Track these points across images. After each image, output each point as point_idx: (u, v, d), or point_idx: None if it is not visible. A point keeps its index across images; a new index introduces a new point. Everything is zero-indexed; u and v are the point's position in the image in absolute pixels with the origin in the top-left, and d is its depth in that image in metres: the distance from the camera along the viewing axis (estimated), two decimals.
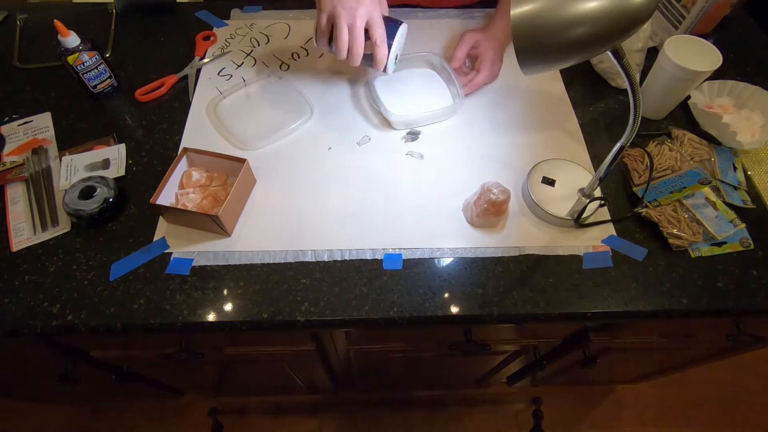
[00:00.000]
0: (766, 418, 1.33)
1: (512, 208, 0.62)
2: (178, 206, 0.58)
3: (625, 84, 0.59)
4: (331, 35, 0.61)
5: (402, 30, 0.64)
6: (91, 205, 0.57)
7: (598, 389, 1.36)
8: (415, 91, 0.71)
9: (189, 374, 0.98)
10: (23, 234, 0.59)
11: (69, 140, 0.68)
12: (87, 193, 0.59)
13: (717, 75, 0.65)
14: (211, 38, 0.81)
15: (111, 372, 0.79)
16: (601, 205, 0.61)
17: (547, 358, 0.87)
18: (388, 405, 1.32)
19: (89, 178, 0.60)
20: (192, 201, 0.59)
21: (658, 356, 0.93)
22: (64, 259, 0.57)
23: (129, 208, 0.61)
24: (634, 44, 0.70)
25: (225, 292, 0.55)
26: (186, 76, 0.76)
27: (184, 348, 0.68)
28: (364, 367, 0.97)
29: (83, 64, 0.67)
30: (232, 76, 0.76)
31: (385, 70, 0.64)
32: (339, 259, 0.58)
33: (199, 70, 0.77)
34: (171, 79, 0.74)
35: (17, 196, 0.62)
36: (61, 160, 0.65)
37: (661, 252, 0.59)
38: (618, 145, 0.49)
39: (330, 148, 0.68)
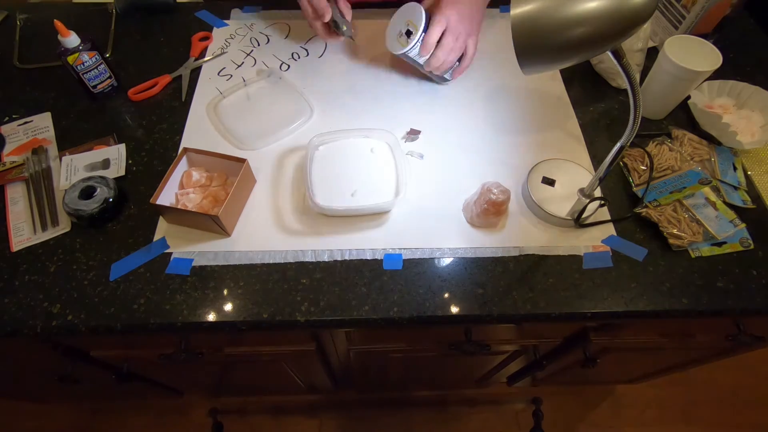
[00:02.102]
0: (766, 418, 1.33)
1: (512, 208, 0.62)
2: (178, 206, 0.58)
3: (625, 84, 0.59)
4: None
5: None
6: (91, 205, 0.57)
7: (598, 389, 1.36)
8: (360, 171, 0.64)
9: (189, 374, 0.98)
10: (23, 234, 0.59)
11: (69, 140, 0.68)
12: (87, 193, 0.59)
13: (717, 75, 0.65)
14: (208, 39, 0.81)
15: (111, 372, 0.79)
16: (601, 205, 0.61)
17: (547, 358, 0.87)
18: (388, 405, 1.32)
19: (89, 178, 0.60)
20: (192, 201, 0.59)
21: (658, 356, 0.93)
22: (64, 259, 0.57)
23: (129, 208, 0.61)
24: (634, 44, 0.70)
25: (225, 292, 0.55)
26: (180, 77, 0.76)
27: (184, 348, 0.68)
28: (364, 367, 0.97)
29: (83, 64, 0.67)
30: (232, 76, 0.76)
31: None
32: (339, 259, 0.58)
33: (193, 71, 0.77)
34: (164, 79, 0.75)
35: (17, 196, 0.62)
36: (61, 160, 0.65)
37: (661, 252, 0.59)
38: (618, 145, 0.49)
39: None
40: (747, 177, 0.65)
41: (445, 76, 0.74)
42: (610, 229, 0.61)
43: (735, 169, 0.65)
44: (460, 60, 0.72)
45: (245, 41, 0.82)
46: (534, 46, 0.40)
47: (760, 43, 0.83)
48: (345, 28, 0.70)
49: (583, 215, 0.58)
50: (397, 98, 0.74)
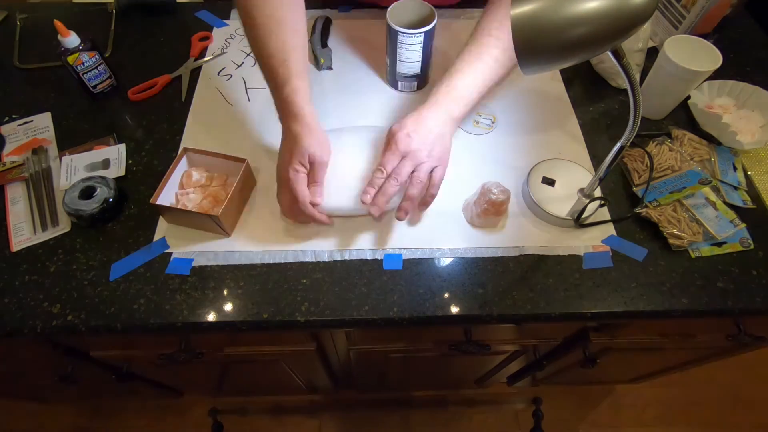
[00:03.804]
0: (766, 418, 1.33)
1: (512, 208, 0.62)
2: (178, 206, 0.58)
3: (625, 84, 0.59)
4: None
5: None
6: (91, 205, 0.57)
7: (598, 389, 1.36)
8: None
9: (189, 374, 0.98)
10: (23, 234, 0.59)
11: (69, 140, 0.68)
12: (87, 193, 0.59)
13: (717, 75, 0.65)
14: (208, 39, 0.81)
15: (111, 372, 0.79)
16: (601, 205, 0.61)
17: (546, 358, 0.87)
18: (388, 405, 1.32)
19: (89, 178, 0.60)
20: (192, 201, 0.59)
21: (658, 356, 0.93)
22: (64, 259, 0.57)
23: (129, 208, 0.61)
24: (634, 44, 0.70)
25: (225, 292, 0.55)
26: (180, 77, 0.76)
27: (184, 348, 0.68)
28: (364, 367, 0.97)
29: (83, 64, 0.67)
30: (232, 76, 0.76)
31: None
32: (339, 259, 0.58)
33: (193, 71, 0.77)
34: (164, 79, 0.74)
35: (17, 196, 0.62)
36: (61, 160, 0.65)
37: (661, 252, 0.59)
38: (618, 145, 0.49)
39: None
40: (747, 177, 0.65)
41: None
42: (610, 229, 0.61)
43: (735, 169, 0.65)
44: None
45: (245, 41, 0.81)
46: (534, 46, 0.40)
47: (760, 43, 0.83)
48: (323, 60, 0.68)
49: (583, 215, 0.58)
50: (397, 98, 0.74)
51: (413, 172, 0.55)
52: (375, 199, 0.54)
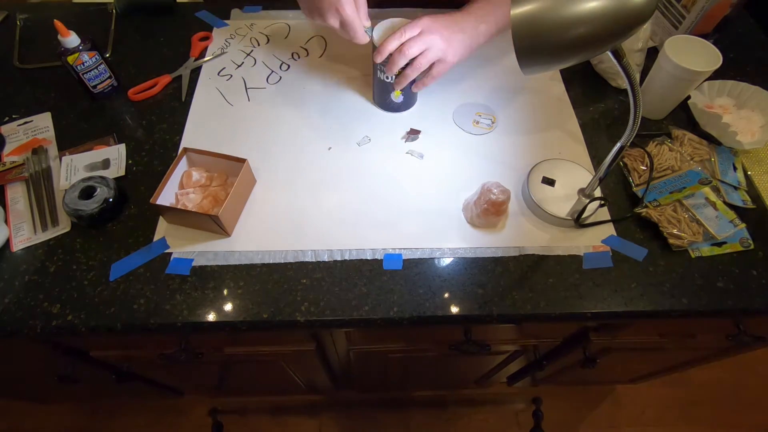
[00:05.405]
0: (766, 418, 1.33)
1: (512, 208, 0.62)
2: (178, 206, 0.58)
3: (625, 84, 0.59)
4: None
5: None
6: (91, 205, 0.57)
7: (598, 389, 1.36)
8: None
9: (189, 374, 0.98)
10: (23, 234, 0.59)
11: (69, 140, 0.68)
12: (87, 193, 0.59)
13: (717, 75, 0.65)
14: (208, 39, 0.81)
15: (111, 372, 0.79)
16: (601, 205, 0.61)
17: (547, 358, 0.87)
18: (388, 405, 1.32)
19: (89, 178, 0.60)
20: (192, 201, 0.59)
21: (658, 356, 0.93)
22: (64, 259, 0.57)
23: (129, 208, 0.61)
24: (634, 44, 0.70)
25: (225, 292, 0.55)
26: (180, 77, 0.76)
27: (184, 348, 0.68)
28: (364, 367, 0.97)
29: (83, 64, 0.67)
30: (232, 76, 0.76)
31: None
32: (339, 259, 0.58)
33: (193, 71, 0.77)
34: (164, 79, 0.74)
35: (17, 196, 0.62)
36: (61, 160, 0.65)
37: (661, 252, 0.59)
38: (618, 145, 0.49)
39: (330, 148, 0.68)
40: (747, 177, 0.65)
41: (394, 93, 0.67)
42: (610, 229, 0.61)
43: (735, 169, 0.65)
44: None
45: (245, 41, 0.82)
46: (534, 46, 0.40)
47: (760, 43, 0.83)
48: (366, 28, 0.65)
49: (583, 215, 0.58)
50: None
51: (419, 54, 0.59)
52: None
